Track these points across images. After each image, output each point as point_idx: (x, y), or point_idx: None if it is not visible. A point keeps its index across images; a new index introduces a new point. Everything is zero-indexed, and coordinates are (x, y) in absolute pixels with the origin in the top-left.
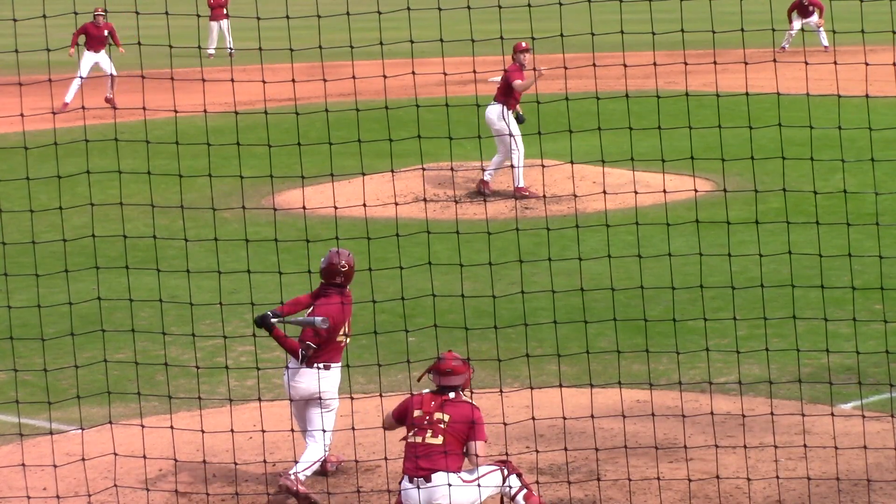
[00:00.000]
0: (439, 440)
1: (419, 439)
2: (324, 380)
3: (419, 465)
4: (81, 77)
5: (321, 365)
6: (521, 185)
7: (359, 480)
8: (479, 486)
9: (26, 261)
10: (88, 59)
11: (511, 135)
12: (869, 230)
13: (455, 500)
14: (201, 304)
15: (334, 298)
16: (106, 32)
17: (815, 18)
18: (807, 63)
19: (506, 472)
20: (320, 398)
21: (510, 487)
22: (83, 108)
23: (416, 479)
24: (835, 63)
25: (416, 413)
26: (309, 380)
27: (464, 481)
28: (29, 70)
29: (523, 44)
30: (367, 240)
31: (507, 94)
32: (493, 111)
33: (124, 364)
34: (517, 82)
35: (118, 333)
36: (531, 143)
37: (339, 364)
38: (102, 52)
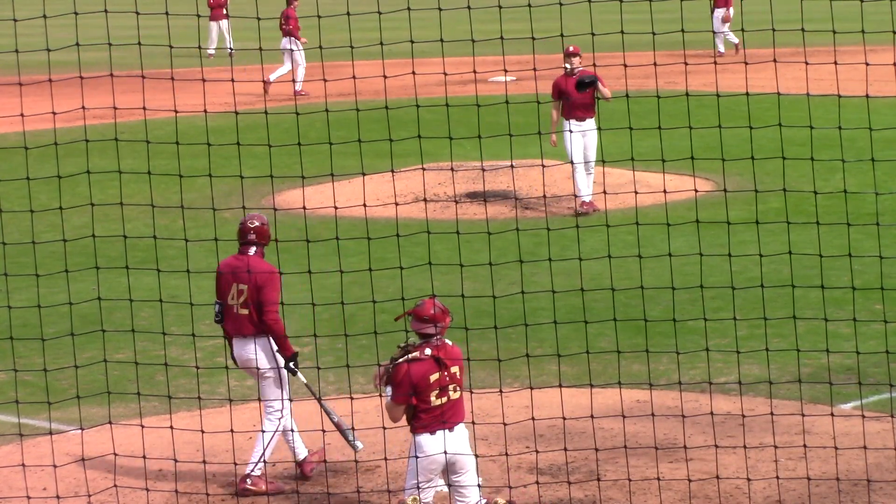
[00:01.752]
0: (458, 394)
1: (444, 399)
2: (247, 349)
3: (445, 421)
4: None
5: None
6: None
7: (359, 480)
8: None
9: (26, 261)
10: (288, 44)
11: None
12: (869, 230)
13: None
14: (201, 304)
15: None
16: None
17: (722, 12)
18: (807, 63)
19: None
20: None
21: None
22: (83, 108)
23: (441, 431)
24: (835, 63)
25: (434, 377)
26: (240, 349)
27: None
28: (28, 70)
29: (570, 48)
30: (367, 240)
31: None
32: None
33: (124, 364)
34: (553, 103)
35: (118, 333)
36: (531, 143)
37: (247, 335)
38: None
